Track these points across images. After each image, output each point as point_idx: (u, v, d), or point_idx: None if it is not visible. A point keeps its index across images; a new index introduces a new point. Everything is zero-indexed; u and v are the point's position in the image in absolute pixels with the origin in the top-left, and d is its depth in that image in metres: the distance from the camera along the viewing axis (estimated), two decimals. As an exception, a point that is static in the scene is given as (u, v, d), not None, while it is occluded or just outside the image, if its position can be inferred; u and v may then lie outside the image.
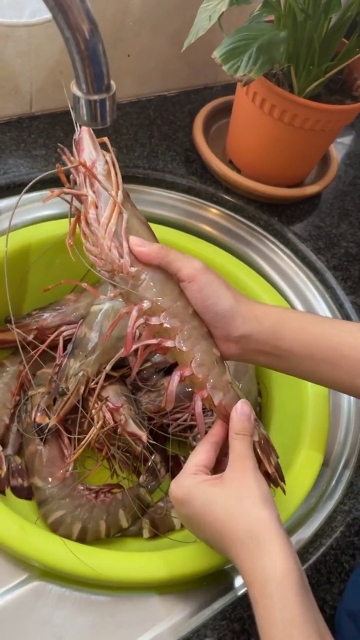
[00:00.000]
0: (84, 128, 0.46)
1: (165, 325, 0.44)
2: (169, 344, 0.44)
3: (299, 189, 0.75)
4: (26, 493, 0.58)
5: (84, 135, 0.46)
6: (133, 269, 0.43)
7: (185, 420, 0.65)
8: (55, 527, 0.55)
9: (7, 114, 0.74)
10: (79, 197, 0.45)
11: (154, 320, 0.44)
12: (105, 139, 0.47)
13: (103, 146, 0.47)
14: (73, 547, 0.45)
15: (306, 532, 0.52)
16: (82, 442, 0.59)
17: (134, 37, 0.77)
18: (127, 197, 0.47)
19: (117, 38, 0.75)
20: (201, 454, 0.44)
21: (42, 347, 0.64)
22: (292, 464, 0.55)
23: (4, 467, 0.57)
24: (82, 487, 0.59)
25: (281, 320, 0.46)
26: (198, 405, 0.46)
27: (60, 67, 0.73)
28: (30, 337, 0.65)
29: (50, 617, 0.43)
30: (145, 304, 0.43)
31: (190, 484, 0.41)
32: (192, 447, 0.65)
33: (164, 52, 0.81)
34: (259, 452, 0.46)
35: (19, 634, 0.42)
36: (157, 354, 0.67)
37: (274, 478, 0.47)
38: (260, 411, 0.67)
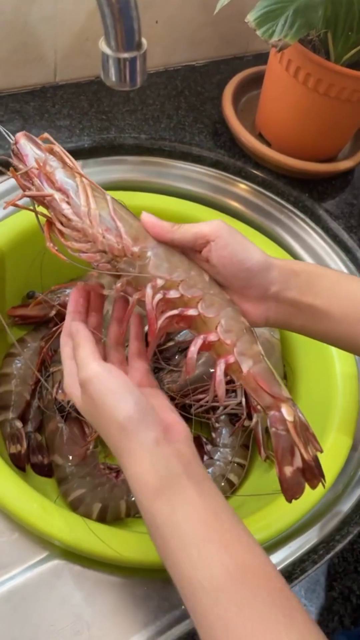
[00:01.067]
0: (19, 134, 0.41)
1: (186, 295, 0.40)
2: (191, 312, 0.40)
3: (332, 164, 0.72)
4: (46, 470, 0.58)
5: (21, 140, 0.41)
6: (136, 249, 0.40)
7: (208, 402, 0.64)
8: (75, 506, 0.55)
9: (31, 83, 0.72)
10: (42, 201, 0.40)
11: (173, 294, 0.40)
12: (46, 134, 0.42)
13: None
14: (94, 527, 0.44)
15: (333, 520, 0.50)
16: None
17: (163, 2, 0.74)
18: (94, 183, 0.43)
19: (146, 3, 0.72)
20: None
21: (65, 323, 0.62)
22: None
23: (24, 444, 0.57)
24: (102, 466, 0.58)
25: (318, 274, 0.43)
26: (220, 369, 0.39)
27: (86, 34, 0.71)
28: (52, 314, 0.64)
29: (70, 596, 0.43)
30: (159, 281, 0.40)
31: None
32: (215, 429, 0.64)
33: (193, 19, 0.78)
34: (292, 434, 0.40)
35: (38, 612, 0.42)
36: (180, 334, 0.66)
37: (309, 467, 0.39)
38: (286, 394, 0.65)
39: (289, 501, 0.38)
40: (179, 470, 0.35)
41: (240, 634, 0.31)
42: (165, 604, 0.43)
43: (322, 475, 0.40)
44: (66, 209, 0.40)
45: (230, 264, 0.40)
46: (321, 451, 0.41)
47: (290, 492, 0.38)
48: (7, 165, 0.42)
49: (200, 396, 0.64)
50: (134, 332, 0.44)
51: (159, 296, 0.40)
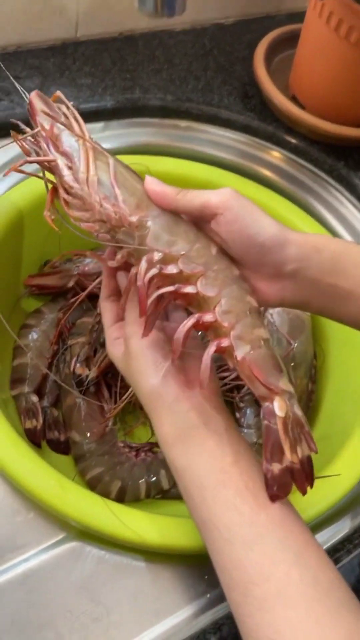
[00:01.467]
0: (32, 93, 0.39)
1: (186, 271, 0.36)
2: (189, 289, 0.36)
3: (370, 130, 0.67)
4: (63, 447, 0.55)
5: (33, 99, 0.40)
6: (134, 218, 0.36)
7: (232, 380, 0.61)
8: (92, 485, 0.52)
9: (51, 38, 0.68)
10: (47, 166, 0.38)
11: (170, 269, 0.36)
12: (58, 93, 0.40)
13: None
14: (114, 508, 0.41)
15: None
16: (124, 397, 0.55)
17: None
18: (100, 147, 0.39)
19: None
20: None
21: (83, 294, 0.59)
22: (351, 435, 0.50)
23: (40, 419, 0.54)
24: (121, 444, 0.55)
25: (344, 252, 0.38)
26: (208, 352, 0.36)
27: (110, -15, 0.66)
28: (71, 284, 0.61)
29: (89, 580, 0.40)
30: (156, 255, 0.36)
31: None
32: (239, 409, 0.61)
33: (223, -27, 0.73)
34: (280, 431, 0.35)
35: (55, 596, 0.39)
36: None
37: (297, 468, 0.35)
38: (315, 374, 0.61)
39: (273, 502, 0.34)
40: (197, 423, 0.36)
41: (250, 572, 0.32)
42: (190, 592, 0.41)
43: (312, 479, 0.36)
44: (67, 175, 0.37)
45: (240, 239, 0.36)
46: (315, 451, 0.37)
47: (274, 492, 0.34)
48: (16, 128, 0.39)
49: (224, 374, 0.61)
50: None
51: (154, 271, 0.36)
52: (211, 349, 0.36)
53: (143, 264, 0.36)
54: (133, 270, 0.37)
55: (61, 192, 0.37)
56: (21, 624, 0.38)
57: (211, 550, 0.35)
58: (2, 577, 0.39)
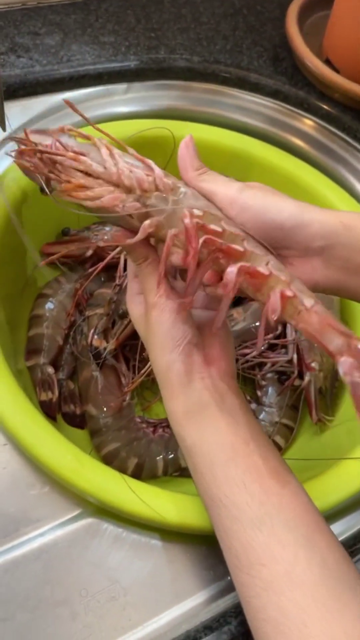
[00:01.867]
0: (27, 131, 0.36)
1: (229, 230, 0.34)
2: (237, 247, 0.34)
3: None
4: (78, 421, 0.54)
5: (30, 135, 0.36)
6: (169, 181, 0.34)
7: (254, 357, 0.58)
8: (108, 460, 0.51)
9: (72, -7, 0.65)
10: (52, 162, 0.35)
11: (214, 226, 0.34)
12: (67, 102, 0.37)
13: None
14: (133, 485, 0.39)
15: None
16: (142, 371, 0.53)
17: None
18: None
19: None
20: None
21: (102, 264, 0.57)
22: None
23: (56, 391, 0.52)
24: (139, 420, 0.53)
25: None
26: (275, 297, 0.33)
27: None
28: (89, 253, 0.59)
29: (105, 558, 0.39)
30: (197, 211, 0.34)
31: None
32: (261, 387, 0.59)
33: None
34: None
35: (70, 573, 0.38)
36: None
37: None
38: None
39: None
40: (210, 401, 0.35)
41: (258, 553, 0.32)
42: (210, 574, 0.39)
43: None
44: (83, 159, 0.35)
45: (261, 223, 0.35)
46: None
47: None
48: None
49: (246, 351, 0.59)
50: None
51: (197, 221, 0.33)
52: (276, 296, 0.33)
53: (186, 213, 0.33)
54: (172, 232, 0.34)
55: (66, 178, 0.35)
56: (36, 600, 0.37)
57: (218, 529, 0.34)
58: (16, 551, 0.38)
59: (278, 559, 0.31)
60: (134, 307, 0.39)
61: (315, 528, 0.33)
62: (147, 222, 0.34)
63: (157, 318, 0.36)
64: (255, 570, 0.32)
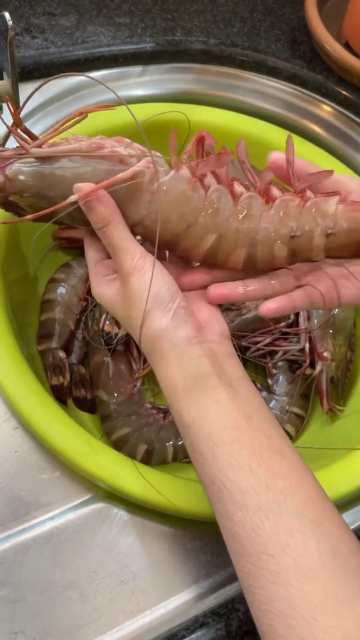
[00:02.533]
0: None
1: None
2: None
3: None
4: (89, 406, 0.54)
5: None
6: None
7: (266, 345, 0.58)
8: (118, 446, 0.51)
9: (88, -28, 0.64)
10: None
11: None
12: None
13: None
14: (144, 471, 0.40)
15: None
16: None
17: None
18: None
19: None
20: None
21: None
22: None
23: (67, 376, 0.52)
24: (149, 406, 0.53)
25: None
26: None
27: None
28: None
29: (115, 543, 0.39)
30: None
31: None
32: (272, 375, 0.58)
33: None
34: None
35: (80, 557, 0.38)
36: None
37: None
38: (355, 343, 0.58)
39: None
40: (210, 371, 0.33)
41: (264, 542, 0.30)
42: (219, 560, 0.40)
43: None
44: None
45: None
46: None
47: None
48: None
49: (258, 339, 0.58)
50: None
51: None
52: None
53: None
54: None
55: None
56: (46, 583, 0.37)
57: (219, 513, 0.32)
58: (27, 534, 0.39)
59: (286, 550, 0.29)
60: (104, 288, 0.37)
61: (324, 513, 0.31)
62: (144, 160, 0.36)
63: (139, 283, 0.34)
64: (262, 561, 0.30)
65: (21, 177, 0.36)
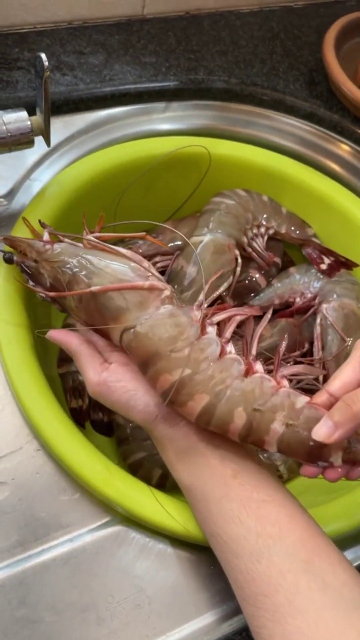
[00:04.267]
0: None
1: None
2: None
3: None
4: (106, 429, 0.55)
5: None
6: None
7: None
8: (134, 469, 0.52)
9: (117, 14, 0.67)
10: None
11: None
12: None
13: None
14: (161, 498, 0.40)
15: None
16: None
17: None
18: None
19: None
20: None
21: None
22: None
23: (86, 399, 0.54)
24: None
25: None
26: None
27: None
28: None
29: (132, 567, 0.40)
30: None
31: None
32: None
33: None
34: None
35: (97, 579, 0.39)
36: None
37: None
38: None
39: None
40: (196, 443, 0.37)
41: (259, 584, 0.33)
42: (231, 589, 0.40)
43: None
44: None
45: None
46: None
47: None
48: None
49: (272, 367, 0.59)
50: None
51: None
52: None
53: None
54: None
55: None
56: (63, 604, 0.38)
57: (222, 562, 0.36)
58: (46, 555, 0.39)
59: (279, 589, 0.32)
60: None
61: (315, 550, 0.33)
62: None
63: (108, 398, 0.39)
64: (260, 602, 0.33)
65: (63, 251, 0.41)
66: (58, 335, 0.42)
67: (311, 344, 0.60)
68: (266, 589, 0.32)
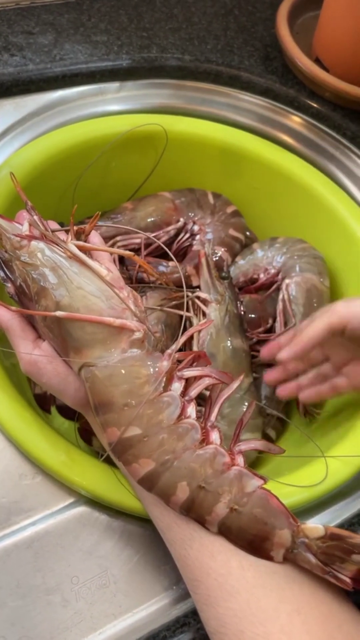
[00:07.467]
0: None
1: None
2: None
3: None
4: (72, 413, 0.54)
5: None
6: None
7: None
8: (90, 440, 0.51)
9: (66, -7, 0.65)
10: None
11: None
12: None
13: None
14: (123, 479, 0.40)
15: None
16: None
17: None
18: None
19: None
20: None
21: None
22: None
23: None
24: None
25: None
26: None
27: None
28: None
29: (96, 547, 0.39)
30: None
31: None
32: (254, 379, 0.59)
33: None
34: None
35: (61, 561, 0.38)
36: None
37: None
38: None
39: None
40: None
41: (192, 569, 0.33)
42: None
43: None
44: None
45: None
46: None
47: None
48: None
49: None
50: None
51: None
52: None
53: None
54: None
55: None
56: (27, 588, 0.37)
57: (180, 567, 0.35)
58: (8, 540, 0.39)
59: (210, 572, 0.32)
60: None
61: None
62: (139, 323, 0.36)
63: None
64: (195, 587, 0.33)
65: (39, 255, 0.36)
66: None
67: (273, 319, 0.60)
68: (198, 574, 0.33)
